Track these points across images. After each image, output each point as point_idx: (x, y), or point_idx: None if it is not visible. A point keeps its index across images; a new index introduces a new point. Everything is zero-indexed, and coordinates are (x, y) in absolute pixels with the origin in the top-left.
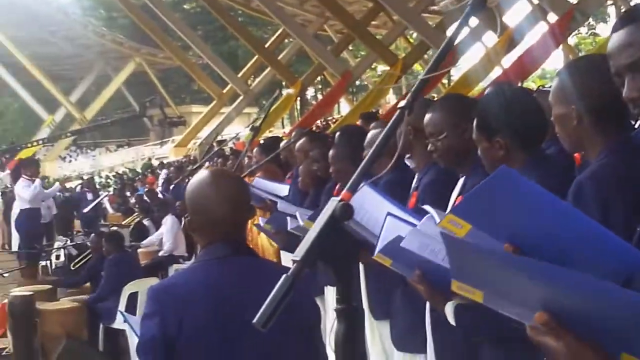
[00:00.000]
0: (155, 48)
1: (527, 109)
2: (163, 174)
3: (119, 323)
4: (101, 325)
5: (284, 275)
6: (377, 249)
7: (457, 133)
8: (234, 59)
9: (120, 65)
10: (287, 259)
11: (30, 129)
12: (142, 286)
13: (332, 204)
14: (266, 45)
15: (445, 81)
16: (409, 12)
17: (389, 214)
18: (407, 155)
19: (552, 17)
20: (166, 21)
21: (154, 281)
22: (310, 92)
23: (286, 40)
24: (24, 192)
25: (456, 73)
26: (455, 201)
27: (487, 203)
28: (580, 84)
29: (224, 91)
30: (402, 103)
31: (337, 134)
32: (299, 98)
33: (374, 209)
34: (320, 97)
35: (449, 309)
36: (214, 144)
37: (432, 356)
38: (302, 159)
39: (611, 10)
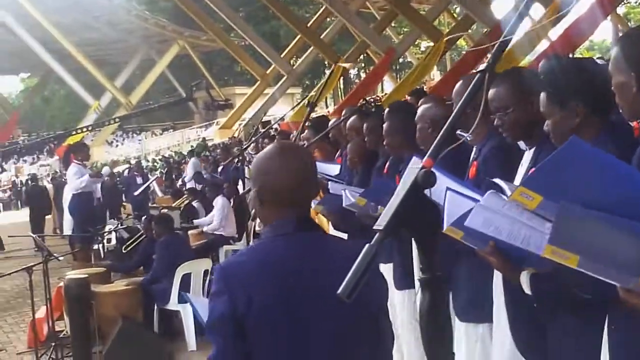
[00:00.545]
0: (198, 30)
1: (597, 74)
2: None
3: (173, 304)
4: (155, 307)
5: (366, 245)
6: (447, 223)
7: (523, 106)
8: (276, 39)
9: (163, 49)
10: None
11: (77, 114)
12: (194, 267)
13: (414, 171)
14: (308, 25)
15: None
16: None
17: (448, 189)
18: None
19: None
20: (208, 3)
21: (206, 262)
22: (353, 70)
23: (328, 19)
24: (72, 180)
25: None
26: (527, 173)
27: (558, 174)
28: (638, 52)
29: (267, 72)
30: (482, 66)
31: (387, 110)
32: (342, 77)
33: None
34: (363, 75)
35: (524, 279)
36: (259, 125)
37: (498, 325)
38: (354, 136)
39: None
